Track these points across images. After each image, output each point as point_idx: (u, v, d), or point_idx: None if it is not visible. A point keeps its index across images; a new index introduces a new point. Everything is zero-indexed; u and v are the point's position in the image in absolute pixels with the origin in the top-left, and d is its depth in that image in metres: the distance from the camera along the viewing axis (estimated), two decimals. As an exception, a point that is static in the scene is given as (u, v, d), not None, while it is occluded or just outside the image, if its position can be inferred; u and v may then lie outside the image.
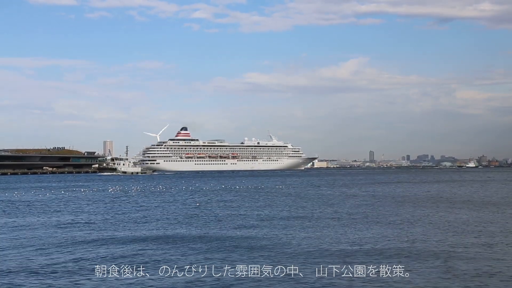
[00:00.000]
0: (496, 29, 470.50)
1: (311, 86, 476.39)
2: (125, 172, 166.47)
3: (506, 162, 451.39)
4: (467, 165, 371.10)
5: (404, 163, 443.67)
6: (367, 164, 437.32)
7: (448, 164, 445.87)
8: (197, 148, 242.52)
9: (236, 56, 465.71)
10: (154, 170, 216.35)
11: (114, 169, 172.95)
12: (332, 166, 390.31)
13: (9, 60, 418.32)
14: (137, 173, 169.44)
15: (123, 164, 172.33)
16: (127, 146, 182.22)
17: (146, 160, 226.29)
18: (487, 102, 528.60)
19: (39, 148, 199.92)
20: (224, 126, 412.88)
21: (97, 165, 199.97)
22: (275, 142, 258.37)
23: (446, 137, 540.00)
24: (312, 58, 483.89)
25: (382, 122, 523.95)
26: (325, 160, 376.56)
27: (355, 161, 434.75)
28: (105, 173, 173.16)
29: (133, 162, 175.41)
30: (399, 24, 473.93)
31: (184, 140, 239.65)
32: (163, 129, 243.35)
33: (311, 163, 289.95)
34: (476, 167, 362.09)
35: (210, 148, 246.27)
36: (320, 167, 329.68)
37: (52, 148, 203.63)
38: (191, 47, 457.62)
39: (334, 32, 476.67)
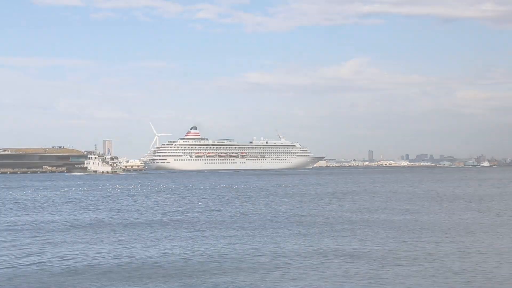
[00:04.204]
0: (497, 29, 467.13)
1: (312, 85, 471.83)
2: (95, 171, 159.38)
3: (505, 161, 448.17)
4: (481, 165, 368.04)
5: (403, 162, 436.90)
6: (366, 163, 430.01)
7: (447, 163, 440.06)
8: (206, 148, 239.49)
9: (238, 56, 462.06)
10: (162, 169, 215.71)
11: (85, 168, 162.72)
12: (331, 165, 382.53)
13: (13, 59, 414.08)
14: (108, 172, 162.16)
15: (93, 163, 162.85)
16: (95, 145, 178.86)
17: (157, 159, 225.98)
18: (487, 102, 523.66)
19: (39, 147, 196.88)
20: (226, 125, 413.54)
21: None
22: (283, 141, 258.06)
23: (445, 136, 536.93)
24: (313, 57, 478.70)
25: (382, 121, 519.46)
26: (325, 159, 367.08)
27: (354, 160, 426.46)
28: (74, 173, 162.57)
29: (142, 161, 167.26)
30: (401, 24, 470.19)
31: (194, 139, 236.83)
32: (165, 134, 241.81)
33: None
34: (490, 166, 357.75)
35: (220, 148, 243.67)
36: (319, 167, 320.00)
37: (50, 147, 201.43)
38: (194, 47, 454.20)
39: (336, 32, 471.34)
